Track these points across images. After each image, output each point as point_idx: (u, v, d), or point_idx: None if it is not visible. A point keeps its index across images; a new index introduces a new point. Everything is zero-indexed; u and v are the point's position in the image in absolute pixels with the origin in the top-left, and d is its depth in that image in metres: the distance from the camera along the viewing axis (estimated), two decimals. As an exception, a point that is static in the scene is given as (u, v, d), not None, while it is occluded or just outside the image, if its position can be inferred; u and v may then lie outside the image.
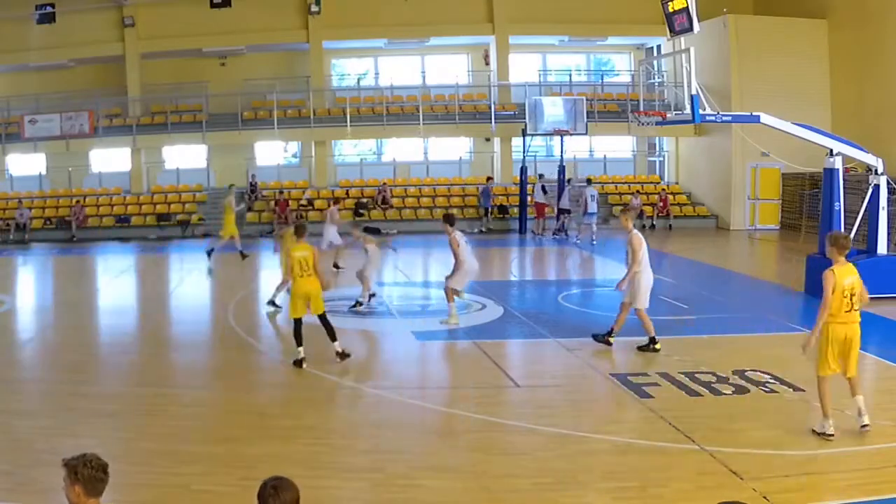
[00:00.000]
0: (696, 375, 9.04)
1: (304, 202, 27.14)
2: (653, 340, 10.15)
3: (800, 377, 8.97)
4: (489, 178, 27.15)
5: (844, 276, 7.10)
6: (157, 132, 27.63)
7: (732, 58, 25.00)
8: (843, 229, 13.49)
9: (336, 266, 16.80)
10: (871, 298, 12.86)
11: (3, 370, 9.77)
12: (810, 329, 10.70)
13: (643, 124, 15.92)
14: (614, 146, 30.30)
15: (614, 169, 29.74)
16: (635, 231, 10.17)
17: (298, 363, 9.60)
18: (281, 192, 26.90)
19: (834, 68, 25.10)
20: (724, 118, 14.69)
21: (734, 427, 7.42)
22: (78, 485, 3.63)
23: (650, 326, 10.14)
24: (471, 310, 13.25)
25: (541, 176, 25.99)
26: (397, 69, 30.35)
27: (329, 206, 19.27)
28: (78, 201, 26.48)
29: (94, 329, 13.07)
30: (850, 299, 7.06)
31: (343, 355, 9.79)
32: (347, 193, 27.70)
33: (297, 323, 9.65)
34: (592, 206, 21.98)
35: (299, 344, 9.64)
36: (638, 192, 27.07)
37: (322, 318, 9.79)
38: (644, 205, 26.23)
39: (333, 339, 9.81)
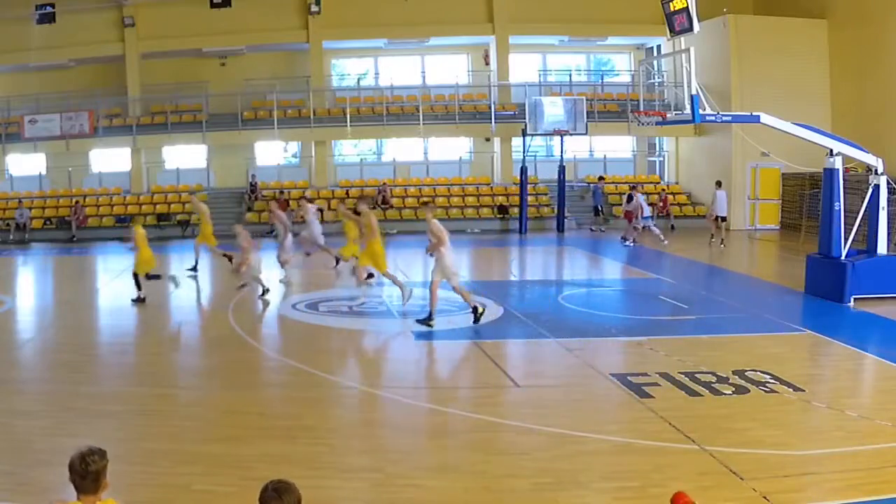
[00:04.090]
0: (696, 375, 9.04)
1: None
2: (475, 310, 11.82)
3: (800, 377, 9.00)
4: (601, 178, 27.21)
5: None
6: (157, 132, 27.62)
7: (732, 58, 25.01)
8: (842, 229, 13.56)
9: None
10: (871, 298, 13.07)
11: (3, 370, 9.76)
12: (811, 329, 10.74)
13: (643, 124, 15.91)
14: (614, 146, 30.31)
15: (614, 169, 29.73)
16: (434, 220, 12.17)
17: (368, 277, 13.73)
18: (281, 192, 26.90)
19: (834, 68, 25.10)
20: (724, 118, 14.68)
21: (734, 427, 7.41)
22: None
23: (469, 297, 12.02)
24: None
25: (601, 178, 27.03)
26: (397, 69, 30.33)
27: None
28: (78, 201, 26.48)
29: (94, 329, 13.07)
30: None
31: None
32: (347, 193, 27.72)
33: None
34: (647, 210, 22.60)
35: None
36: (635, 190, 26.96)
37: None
38: (649, 204, 26.19)
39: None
